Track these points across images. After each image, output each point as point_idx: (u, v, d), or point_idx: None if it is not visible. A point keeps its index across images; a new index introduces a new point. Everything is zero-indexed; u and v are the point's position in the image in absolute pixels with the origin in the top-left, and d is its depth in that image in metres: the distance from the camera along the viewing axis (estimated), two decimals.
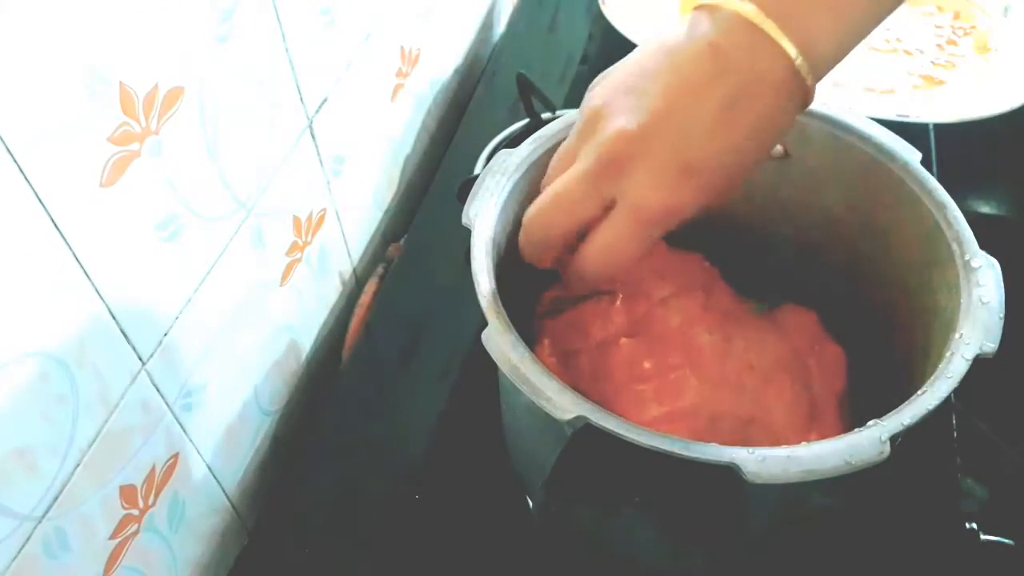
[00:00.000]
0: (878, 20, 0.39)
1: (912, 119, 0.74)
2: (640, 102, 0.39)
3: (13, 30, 0.35)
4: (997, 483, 0.59)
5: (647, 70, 0.39)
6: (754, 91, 0.38)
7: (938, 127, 0.73)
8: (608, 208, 0.39)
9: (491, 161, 0.48)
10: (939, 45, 0.85)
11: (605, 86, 0.41)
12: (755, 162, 0.40)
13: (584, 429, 0.37)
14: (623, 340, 0.49)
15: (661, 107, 0.38)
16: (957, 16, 0.88)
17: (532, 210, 0.42)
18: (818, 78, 0.38)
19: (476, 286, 0.42)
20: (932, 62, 0.82)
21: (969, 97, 0.77)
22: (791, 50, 0.37)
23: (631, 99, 0.39)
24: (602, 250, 0.40)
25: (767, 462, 0.35)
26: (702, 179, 0.38)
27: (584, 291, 0.45)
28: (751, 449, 0.36)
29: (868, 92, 0.79)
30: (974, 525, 0.53)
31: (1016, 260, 0.46)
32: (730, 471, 0.35)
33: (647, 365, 0.48)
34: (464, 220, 0.45)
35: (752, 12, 0.37)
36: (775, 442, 0.45)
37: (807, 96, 0.39)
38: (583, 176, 0.40)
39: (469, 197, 0.46)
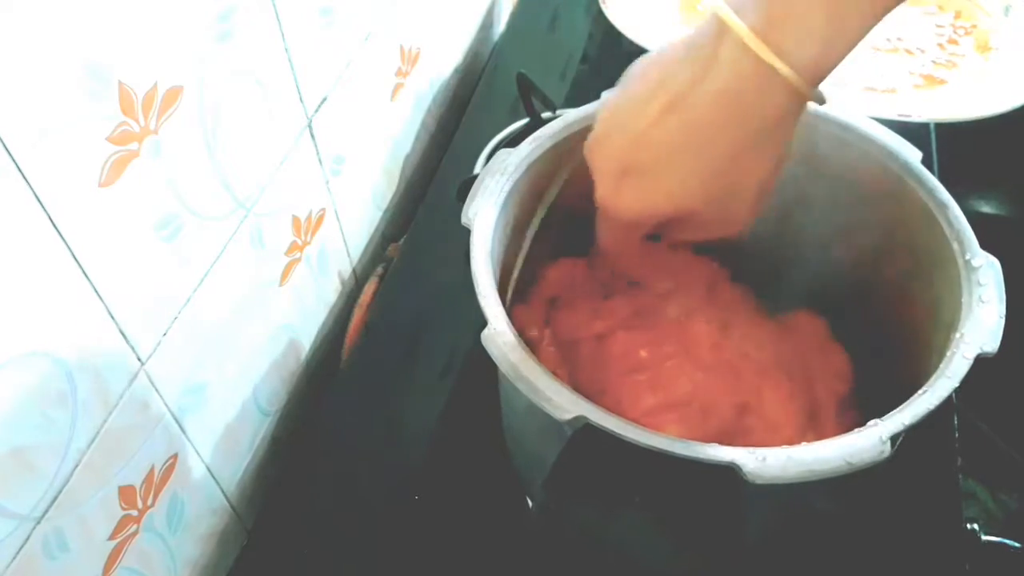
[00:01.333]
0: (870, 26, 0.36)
1: (913, 118, 0.74)
2: (606, 102, 0.41)
3: (13, 30, 0.34)
4: (999, 484, 0.59)
5: (634, 69, 0.41)
6: (700, 90, 0.36)
7: (939, 126, 0.73)
8: None
9: (491, 160, 0.48)
10: (940, 44, 0.84)
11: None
12: (730, 163, 0.38)
13: (584, 429, 0.37)
14: (620, 331, 0.49)
15: (612, 111, 0.40)
16: (958, 15, 0.88)
17: None
18: (812, 76, 0.35)
19: (476, 286, 0.42)
20: (933, 61, 0.82)
21: (970, 96, 0.77)
22: (757, 46, 0.35)
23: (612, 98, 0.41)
24: (596, 237, 0.46)
25: (767, 462, 0.35)
26: (644, 181, 0.40)
27: (609, 269, 0.51)
28: (751, 449, 0.36)
29: (869, 91, 0.79)
30: (975, 526, 0.52)
31: (1017, 260, 0.46)
32: (730, 471, 0.35)
33: (643, 355, 0.48)
34: (464, 220, 0.45)
35: (722, 9, 0.35)
36: (770, 433, 0.45)
37: (780, 94, 0.36)
38: None
39: (468, 196, 0.46)
